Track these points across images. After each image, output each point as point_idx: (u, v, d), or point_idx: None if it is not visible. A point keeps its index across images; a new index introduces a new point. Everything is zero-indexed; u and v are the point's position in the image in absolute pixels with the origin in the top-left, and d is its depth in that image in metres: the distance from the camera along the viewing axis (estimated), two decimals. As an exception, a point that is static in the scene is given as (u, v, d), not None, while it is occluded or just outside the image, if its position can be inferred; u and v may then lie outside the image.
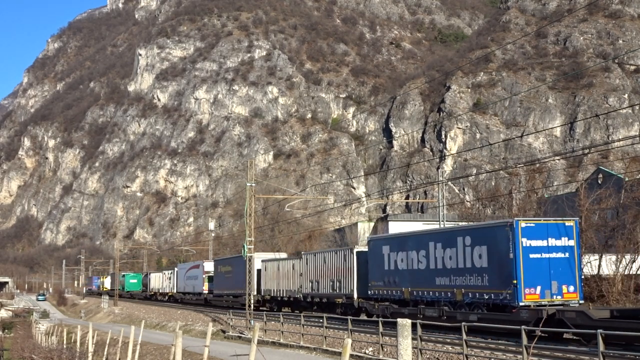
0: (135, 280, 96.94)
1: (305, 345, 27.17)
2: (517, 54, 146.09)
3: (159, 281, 79.72)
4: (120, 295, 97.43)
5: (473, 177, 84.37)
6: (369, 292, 31.96)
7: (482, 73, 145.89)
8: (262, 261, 45.70)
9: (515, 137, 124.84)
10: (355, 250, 34.21)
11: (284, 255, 49.88)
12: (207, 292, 58.57)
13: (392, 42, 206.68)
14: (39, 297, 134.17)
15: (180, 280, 68.85)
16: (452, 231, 27.81)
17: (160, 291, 79.10)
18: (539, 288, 22.85)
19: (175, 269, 72.33)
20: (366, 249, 33.08)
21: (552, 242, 23.30)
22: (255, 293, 42.35)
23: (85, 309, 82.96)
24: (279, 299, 43.00)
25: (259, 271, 45.27)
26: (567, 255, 23.41)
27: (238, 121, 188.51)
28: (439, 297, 26.85)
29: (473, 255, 25.02)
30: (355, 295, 33.36)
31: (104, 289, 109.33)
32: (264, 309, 44.85)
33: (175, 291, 71.67)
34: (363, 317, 32.75)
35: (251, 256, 38.68)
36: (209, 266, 59.26)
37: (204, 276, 59.39)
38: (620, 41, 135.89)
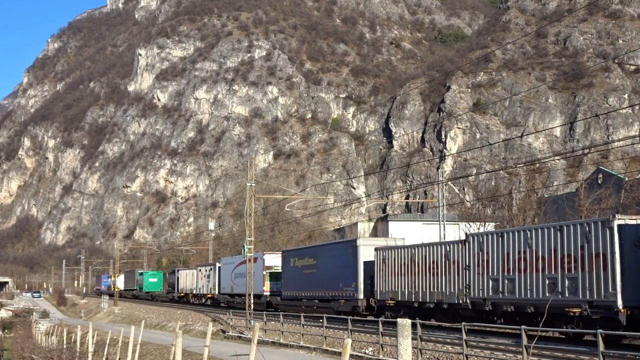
0: (155, 279, 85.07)
1: (305, 345, 27.18)
2: (517, 54, 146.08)
3: (191, 280, 66.65)
4: (137, 297, 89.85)
5: (473, 177, 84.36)
6: None
7: (482, 73, 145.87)
8: (377, 250, 32.29)
9: (515, 137, 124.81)
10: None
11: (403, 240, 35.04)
12: (268, 293, 46.02)
13: (392, 42, 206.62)
14: (34, 294, 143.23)
15: (226, 278, 54.85)
16: None
17: (195, 292, 65.57)
18: None
19: (217, 264, 58.76)
20: None
21: None
22: (361, 296, 33.10)
23: (85, 309, 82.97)
24: (413, 304, 29.34)
25: (369, 264, 32.99)
26: None
27: (238, 121, 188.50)
28: None
29: None
30: (620, 304, 19.78)
31: (116, 290, 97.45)
32: (365, 318, 32.27)
33: (217, 292, 57.69)
34: None
35: (356, 245, 33.03)
36: (272, 259, 47.06)
37: (264, 273, 46.14)
38: (620, 41, 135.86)
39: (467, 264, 26.05)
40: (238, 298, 50.30)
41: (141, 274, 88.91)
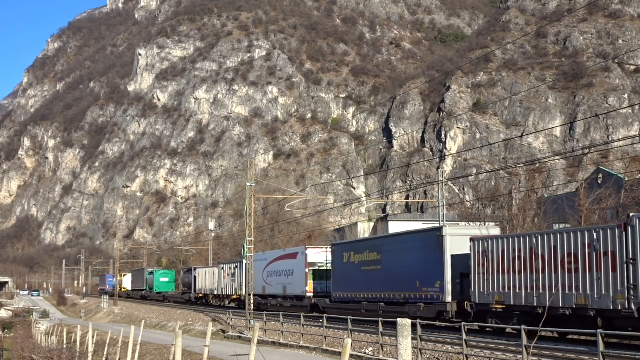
0: (166, 279, 78.98)
1: (305, 345, 27.18)
2: (517, 54, 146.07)
3: (212, 279, 58.97)
4: (145, 297, 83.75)
5: (473, 177, 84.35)
6: None
7: (482, 73, 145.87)
8: (475, 240, 25.88)
9: (515, 137, 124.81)
10: None
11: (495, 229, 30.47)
12: (312, 294, 39.64)
13: (392, 42, 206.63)
14: (33, 292, 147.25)
15: (256, 277, 46.51)
16: None
17: (216, 293, 58.01)
18: None
19: (245, 261, 47.56)
20: None
21: None
22: (449, 299, 26.75)
23: (85, 309, 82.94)
24: (534, 310, 22.90)
25: (459, 259, 26.87)
26: None
27: (238, 121, 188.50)
28: None
29: None
30: None
31: (123, 290, 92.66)
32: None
33: (244, 293, 49.34)
34: None
35: (441, 235, 26.87)
36: (316, 255, 40.66)
37: (306, 270, 39.81)
38: (620, 41, 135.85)
39: (632, 256, 19.69)
40: (272, 300, 44.51)
41: (151, 273, 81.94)
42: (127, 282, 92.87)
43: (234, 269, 52.59)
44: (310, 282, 39.71)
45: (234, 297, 52.74)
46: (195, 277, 64.57)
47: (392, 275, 30.69)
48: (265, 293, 45.65)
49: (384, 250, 32.15)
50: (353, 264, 34.55)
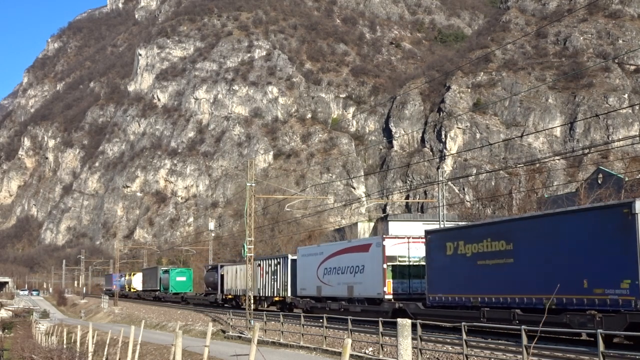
0: (183, 278, 72.12)
1: (305, 345, 27.18)
2: (517, 54, 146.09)
3: (245, 278, 46.77)
4: (159, 299, 76.68)
5: (473, 177, 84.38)
6: None
7: (482, 73, 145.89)
8: None
9: (515, 137, 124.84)
10: None
11: None
12: (391, 296, 31.38)
13: (392, 42, 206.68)
14: (34, 291, 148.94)
15: (307, 274, 39.06)
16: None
17: (253, 294, 45.00)
18: None
19: (290, 255, 43.59)
20: None
21: None
22: None
23: (85, 309, 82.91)
24: None
25: None
26: None
27: (238, 121, 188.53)
28: None
29: None
30: None
31: (132, 290, 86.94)
32: None
33: (289, 294, 41.92)
34: None
35: (632, 212, 18.81)
36: (396, 247, 32.07)
37: (384, 266, 31.62)
38: (620, 41, 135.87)
39: None
40: (332, 303, 36.03)
41: (166, 271, 74.91)
42: (137, 281, 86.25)
43: (276, 265, 44.62)
44: (389, 281, 31.62)
45: (276, 298, 44.33)
46: (222, 276, 55.84)
47: (535, 272, 22.85)
48: (322, 295, 37.33)
49: (519, 237, 23.83)
50: (463, 256, 26.53)
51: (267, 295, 45.81)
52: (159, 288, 76.99)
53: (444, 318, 25.65)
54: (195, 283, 76.08)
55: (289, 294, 41.82)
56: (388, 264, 31.69)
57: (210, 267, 64.29)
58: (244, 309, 44.80)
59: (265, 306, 46.03)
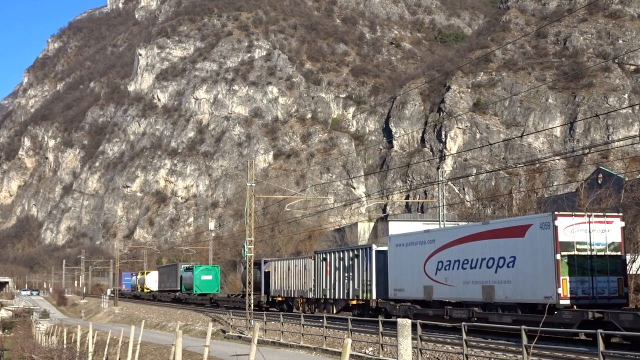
0: (210, 277, 62.49)
1: (305, 345, 27.18)
2: (517, 54, 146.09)
3: (301, 276, 41.17)
4: (179, 300, 66.90)
5: (473, 177, 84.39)
6: None
7: (482, 73, 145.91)
8: None
9: (515, 137, 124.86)
10: None
11: None
12: (568, 301, 22.02)
13: (392, 42, 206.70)
14: (33, 291, 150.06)
15: (407, 270, 29.97)
16: None
17: (311, 296, 39.67)
18: None
19: (375, 246, 34.34)
20: None
21: None
22: None
23: (85, 309, 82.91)
24: None
25: None
26: None
27: (238, 121, 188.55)
28: None
29: None
30: None
31: (146, 291, 79.62)
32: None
33: (374, 296, 32.64)
34: None
35: None
36: (570, 229, 22.66)
37: (558, 257, 22.22)
38: (620, 41, 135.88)
39: None
40: (456, 310, 26.20)
41: (188, 269, 65.67)
42: (151, 281, 78.38)
43: (351, 259, 35.11)
44: (565, 279, 22.22)
45: (353, 302, 34.81)
46: (267, 274, 47.01)
47: None
48: (433, 297, 28.00)
49: None
50: None
51: (337, 297, 36.44)
52: (179, 288, 68.15)
53: None
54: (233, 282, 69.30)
55: (374, 296, 32.59)
56: (563, 254, 22.48)
57: (255, 262, 50.44)
58: (306, 315, 36.10)
59: (334, 312, 36.78)
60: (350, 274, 34.89)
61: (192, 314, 50.26)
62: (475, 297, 25.51)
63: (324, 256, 38.47)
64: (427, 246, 28.72)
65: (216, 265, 67.93)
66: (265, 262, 48.14)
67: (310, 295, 39.78)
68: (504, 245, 24.45)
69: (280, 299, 44.55)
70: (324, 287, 37.77)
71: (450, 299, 27.36)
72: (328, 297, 37.35)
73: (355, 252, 35.00)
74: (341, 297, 36.00)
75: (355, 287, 34.38)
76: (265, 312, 38.04)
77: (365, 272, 33.53)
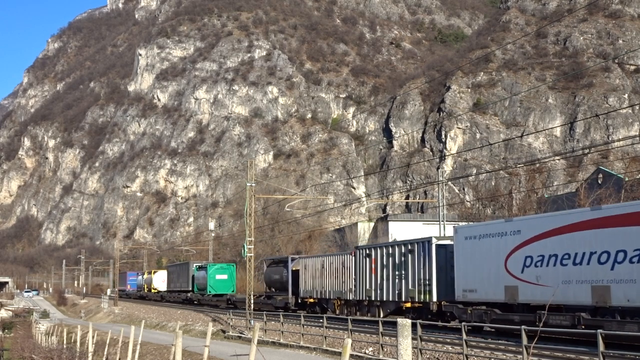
0: (225, 276, 57.56)
1: (305, 345, 27.18)
2: (517, 54, 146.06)
3: (337, 275, 36.81)
4: (191, 301, 63.08)
5: (473, 177, 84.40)
6: None
7: (482, 73, 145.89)
8: None
9: (515, 137, 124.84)
10: None
11: None
12: None
13: (392, 42, 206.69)
14: (33, 291, 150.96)
15: (481, 267, 24.85)
16: None
17: (351, 297, 35.26)
18: None
19: (435, 239, 29.23)
20: None
21: None
22: None
23: (85, 309, 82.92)
24: None
25: None
26: None
27: (238, 121, 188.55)
28: None
29: None
30: None
31: (153, 291, 76.23)
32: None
33: (444, 298, 27.65)
34: None
35: None
36: None
37: None
38: (620, 41, 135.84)
39: None
40: (555, 316, 21.65)
41: (201, 267, 60.40)
42: (158, 281, 74.65)
43: (403, 255, 30.50)
44: None
45: (407, 305, 29.94)
46: (295, 272, 42.37)
47: None
48: (518, 300, 23.19)
49: None
50: None
51: (385, 299, 31.80)
52: (191, 288, 63.45)
53: None
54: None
55: (435, 298, 27.92)
56: None
57: (275, 260, 48.36)
58: (343, 318, 32.46)
59: (381, 315, 31.53)
60: (403, 272, 30.22)
61: (192, 314, 50.25)
62: (581, 300, 20.67)
63: (367, 252, 33.58)
64: (509, 238, 23.71)
65: (232, 263, 63.14)
66: (293, 259, 44.02)
67: (351, 296, 35.20)
68: (622, 236, 19.52)
69: (312, 300, 40.11)
70: (367, 287, 33.11)
71: (542, 302, 22.06)
72: (373, 298, 32.74)
73: (409, 247, 30.16)
74: (390, 299, 31.32)
75: (410, 287, 29.63)
76: (265, 312, 37.68)
77: (422, 270, 28.87)
